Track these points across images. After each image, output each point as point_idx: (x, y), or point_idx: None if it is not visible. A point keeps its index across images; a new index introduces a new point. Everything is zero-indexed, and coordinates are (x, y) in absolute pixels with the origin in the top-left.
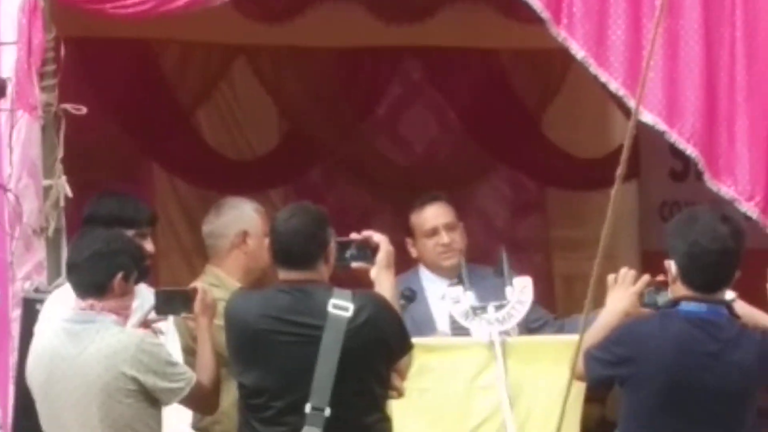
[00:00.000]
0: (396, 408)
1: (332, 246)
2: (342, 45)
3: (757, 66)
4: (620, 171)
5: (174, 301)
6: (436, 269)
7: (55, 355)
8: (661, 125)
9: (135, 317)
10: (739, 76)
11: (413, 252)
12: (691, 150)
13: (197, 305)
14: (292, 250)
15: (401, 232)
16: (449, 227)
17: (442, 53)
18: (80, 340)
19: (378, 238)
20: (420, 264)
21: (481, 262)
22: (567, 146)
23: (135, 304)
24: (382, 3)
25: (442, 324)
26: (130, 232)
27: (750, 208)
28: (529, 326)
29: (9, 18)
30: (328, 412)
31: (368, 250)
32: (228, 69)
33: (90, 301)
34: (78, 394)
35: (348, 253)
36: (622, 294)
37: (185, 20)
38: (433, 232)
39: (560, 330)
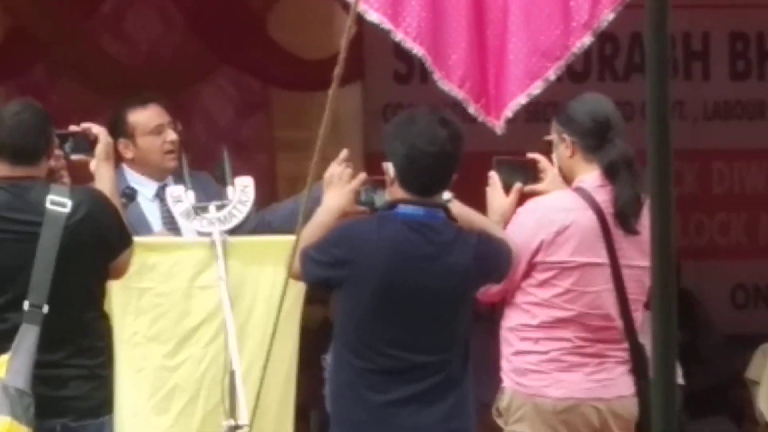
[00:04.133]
0: (116, 306)
1: (54, 142)
2: None
3: None
4: (337, 71)
5: None
6: (152, 170)
7: None
8: (386, 24)
9: None
10: None
11: (128, 153)
12: (417, 49)
13: None
14: (23, 145)
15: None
16: (172, 125)
17: None
18: None
19: (97, 130)
20: (123, 165)
21: (204, 163)
22: (292, 47)
23: None
24: None
25: (156, 225)
26: None
27: (476, 109)
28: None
29: None
30: (45, 309)
31: (87, 143)
32: None
33: None
34: None
35: (67, 146)
36: (338, 192)
37: None
38: (159, 129)
39: (261, 221)
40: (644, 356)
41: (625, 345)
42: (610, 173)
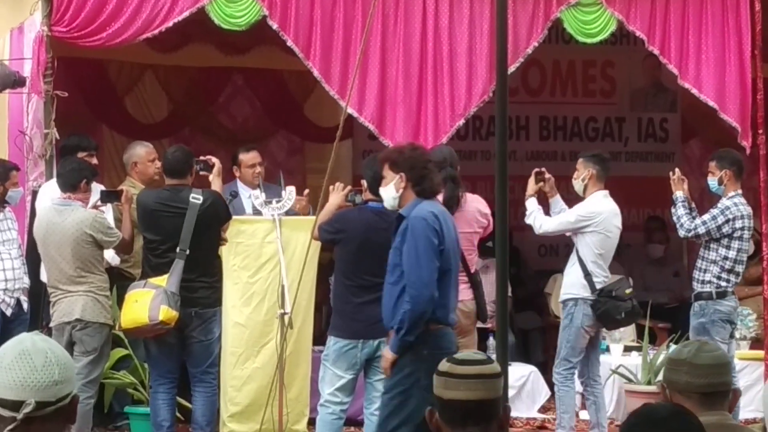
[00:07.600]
0: (224, 251)
1: (194, 166)
2: None
3: (410, 68)
4: (339, 132)
5: (111, 195)
6: (248, 183)
7: (49, 222)
8: (355, 113)
9: (90, 203)
10: (399, 78)
11: (238, 173)
12: (368, 124)
13: (123, 198)
14: (177, 168)
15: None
16: (261, 164)
17: None
18: (62, 215)
19: (214, 160)
20: (237, 179)
21: (271, 178)
22: (316, 120)
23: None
24: None
25: (249, 211)
26: (84, 153)
27: None
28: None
29: (29, 45)
30: (187, 252)
31: (209, 167)
32: None
33: (68, 194)
34: (61, 242)
35: (198, 167)
36: (337, 195)
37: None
38: (253, 164)
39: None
40: (477, 279)
41: (464, 274)
42: (444, 184)
